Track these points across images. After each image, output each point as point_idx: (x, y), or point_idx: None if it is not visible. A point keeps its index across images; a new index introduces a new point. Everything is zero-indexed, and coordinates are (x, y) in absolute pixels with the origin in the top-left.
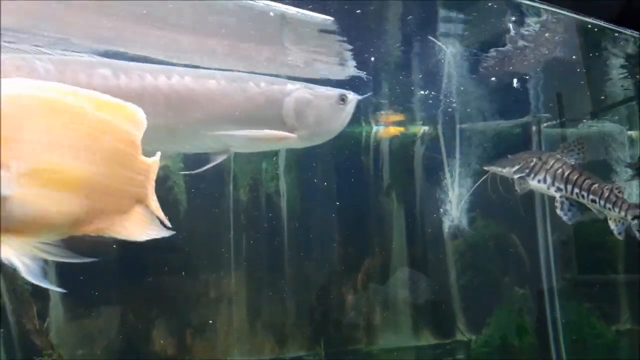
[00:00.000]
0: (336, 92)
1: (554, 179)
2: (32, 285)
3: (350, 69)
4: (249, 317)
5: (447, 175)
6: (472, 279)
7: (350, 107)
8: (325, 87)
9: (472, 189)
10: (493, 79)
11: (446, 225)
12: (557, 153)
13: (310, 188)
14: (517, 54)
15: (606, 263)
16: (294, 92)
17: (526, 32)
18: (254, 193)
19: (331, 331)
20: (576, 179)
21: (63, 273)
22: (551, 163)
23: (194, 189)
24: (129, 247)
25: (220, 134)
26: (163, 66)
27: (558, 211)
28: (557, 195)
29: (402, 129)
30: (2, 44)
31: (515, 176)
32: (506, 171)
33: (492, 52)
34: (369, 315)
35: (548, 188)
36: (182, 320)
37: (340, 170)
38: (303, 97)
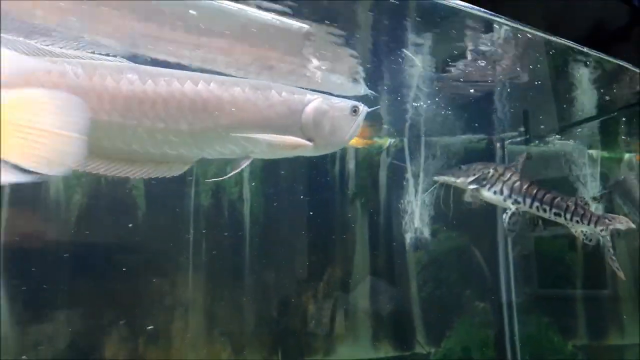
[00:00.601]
0: (349, 103)
1: (511, 191)
2: None
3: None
4: (206, 324)
5: (411, 186)
6: (434, 291)
7: (360, 119)
8: (339, 99)
9: (422, 197)
10: (460, 92)
11: (408, 236)
12: (512, 166)
13: (274, 195)
14: (483, 69)
15: (565, 278)
16: (312, 102)
17: (489, 48)
18: (216, 198)
19: (290, 340)
20: (535, 193)
21: (8, 275)
22: (508, 175)
23: (153, 192)
24: (80, 249)
25: (243, 136)
26: (189, 72)
27: (505, 219)
28: (513, 208)
29: (369, 141)
30: (37, 45)
31: (470, 187)
32: (460, 181)
33: (460, 66)
34: (329, 325)
35: (504, 200)
36: (136, 327)
37: (305, 178)
38: (321, 107)
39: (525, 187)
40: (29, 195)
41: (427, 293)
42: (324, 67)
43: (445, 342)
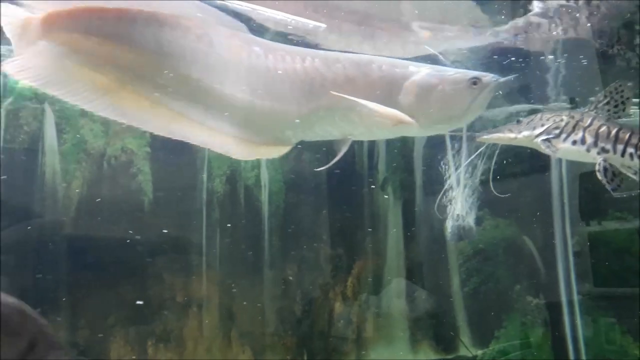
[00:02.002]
0: (467, 75)
1: (596, 138)
2: None
3: None
4: (222, 325)
5: (452, 166)
6: (479, 287)
7: (486, 92)
8: (456, 70)
9: (463, 166)
10: (512, 57)
11: (449, 224)
12: (590, 110)
13: (295, 180)
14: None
15: (633, 272)
16: (415, 76)
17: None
18: (231, 184)
19: (316, 342)
20: (629, 137)
21: (9, 274)
22: (589, 120)
23: (161, 176)
24: (83, 245)
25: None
26: (295, 47)
27: (601, 177)
28: (599, 158)
29: None
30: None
31: (539, 139)
32: (523, 137)
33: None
34: (359, 325)
35: (588, 150)
36: (144, 329)
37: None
38: (426, 81)
39: (614, 131)
40: (22, 178)
41: (471, 288)
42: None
43: (494, 343)
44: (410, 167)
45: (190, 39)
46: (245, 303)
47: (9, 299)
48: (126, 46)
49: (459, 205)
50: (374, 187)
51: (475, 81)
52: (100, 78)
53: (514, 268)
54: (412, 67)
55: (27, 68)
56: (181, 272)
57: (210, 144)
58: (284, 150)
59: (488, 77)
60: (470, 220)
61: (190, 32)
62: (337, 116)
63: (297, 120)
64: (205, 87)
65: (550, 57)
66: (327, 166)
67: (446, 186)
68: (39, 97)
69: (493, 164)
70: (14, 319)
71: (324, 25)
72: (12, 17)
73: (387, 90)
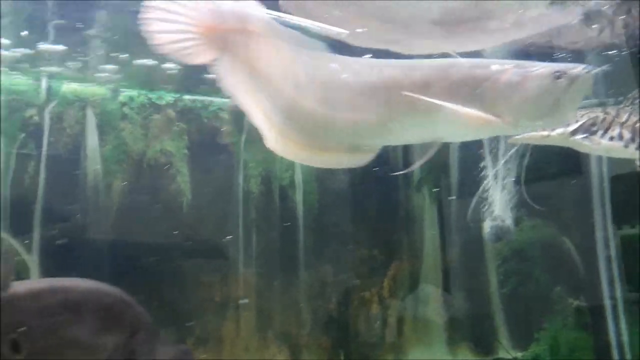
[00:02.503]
0: (552, 69)
1: (633, 134)
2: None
3: None
4: (259, 325)
5: (489, 164)
6: (517, 288)
7: (577, 86)
8: (543, 64)
9: (499, 167)
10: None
11: (487, 225)
12: (622, 106)
13: (329, 180)
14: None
15: None
16: (498, 75)
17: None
18: (266, 185)
19: (352, 343)
20: None
21: (46, 271)
22: (626, 116)
23: (198, 178)
24: (120, 247)
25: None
26: (376, 60)
27: None
28: (638, 154)
29: None
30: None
31: (576, 137)
32: (557, 134)
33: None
34: (396, 326)
35: (626, 146)
36: (182, 329)
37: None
38: (508, 79)
39: None
40: (65, 181)
41: (509, 290)
42: None
43: (534, 345)
44: (446, 167)
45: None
46: (281, 303)
47: (111, 289)
48: None
49: (497, 206)
50: (409, 187)
51: (559, 75)
52: None
53: (553, 269)
54: (495, 65)
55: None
56: (218, 272)
57: (321, 162)
58: (368, 157)
59: (577, 69)
60: (509, 221)
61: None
62: (418, 121)
63: (379, 128)
64: (295, 104)
65: (589, 54)
66: (411, 168)
67: (483, 186)
68: (81, 100)
69: (524, 163)
70: (117, 308)
71: (346, 32)
72: None
73: (470, 91)
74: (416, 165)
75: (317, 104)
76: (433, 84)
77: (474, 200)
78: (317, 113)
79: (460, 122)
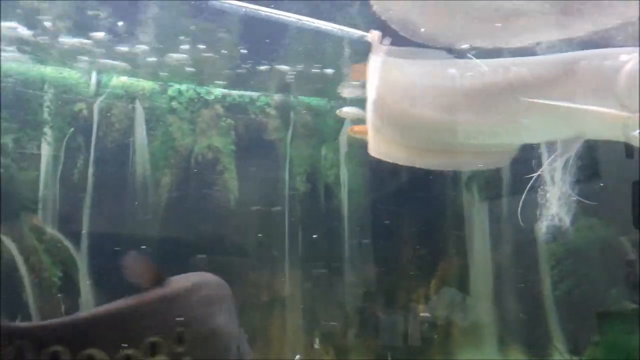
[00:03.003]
0: None
1: None
2: (62, 278)
3: None
4: (306, 325)
5: (544, 159)
6: (572, 290)
7: None
8: None
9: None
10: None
11: (542, 225)
12: None
13: (375, 178)
14: None
15: None
16: (626, 65)
17: None
18: (311, 182)
19: (400, 345)
20: None
21: (95, 267)
22: None
23: (245, 174)
24: (168, 242)
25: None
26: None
27: None
28: None
29: None
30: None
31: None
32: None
33: None
34: (444, 327)
35: None
36: None
37: None
38: (635, 69)
39: None
40: (114, 177)
41: (563, 291)
42: None
43: (592, 350)
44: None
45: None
46: (327, 303)
47: (220, 279)
48: None
49: (553, 205)
50: (458, 185)
51: None
52: None
53: (610, 271)
54: (624, 55)
55: None
56: (265, 270)
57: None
58: (509, 155)
59: None
60: (566, 220)
61: None
62: (549, 119)
63: (512, 127)
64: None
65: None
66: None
67: (537, 184)
68: (130, 95)
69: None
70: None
71: (369, 34)
72: None
73: (597, 85)
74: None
75: (434, 111)
76: (560, 79)
77: (522, 197)
78: (434, 119)
79: (596, 116)
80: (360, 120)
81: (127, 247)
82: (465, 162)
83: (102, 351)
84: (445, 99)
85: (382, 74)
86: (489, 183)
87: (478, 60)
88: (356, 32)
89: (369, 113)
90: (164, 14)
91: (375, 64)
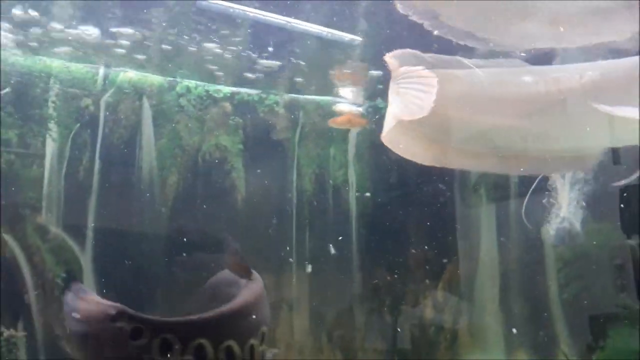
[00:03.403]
0: None
1: None
2: (66, 279)
3: None
4: (313, 328)
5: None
6: (579, 293)
7: None
8: None
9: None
10: None
11: (551, 228)
12: None
13: (383, 179)
14: None
15: None
16: None
17: None
18: (319, 183)
19: (407, 347)
20: None
21: (99, 272)
22: None
23: (253, 174)
24: (173, 241)
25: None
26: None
27: None
28: None
29: None
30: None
31: None
32: None
33: None
34: (451, 330)
35: None
36: None
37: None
38: None
39: None
40: (120, 175)
41: (570, 295)
42: None
43: (599, 354)
44: None
45: None
46: (334, 306)
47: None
48: None
49: (563, 208)
50: (466, 188)
51: None
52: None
53: (618, 275)
54: None
55: None
56: (272, 271)
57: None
58: (592, 161)
59: None
60: (577, 224)
61: None
62: (615, 125)
63: (580, 132)
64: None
65: None
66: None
67: (546, 186)
68: (137, 91)
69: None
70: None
71: (359, 39)
72: None
73: None
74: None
75: (506, 117)
76: (630, 84)
77: (526, 199)
78: (506, 125)
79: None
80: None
81: (132, 246)
82: (542, 166)
83: (236, 343)
84: (520, 105)
85: (433, 87)
86: (497, 185)
87: (555, 67)
88: (347, 36)
89: (407, 121)
90: (172, 11)
91: (420, 76)
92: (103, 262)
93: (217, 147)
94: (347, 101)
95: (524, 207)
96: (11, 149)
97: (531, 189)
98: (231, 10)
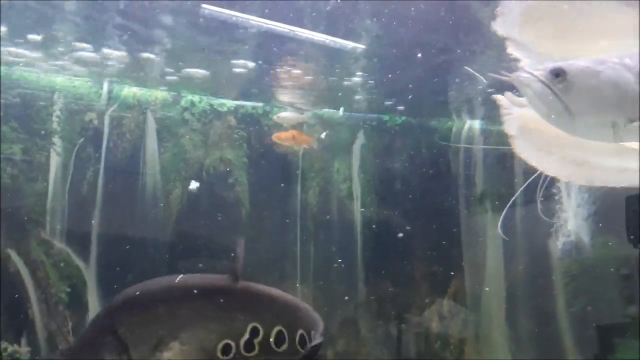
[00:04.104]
0: None
1: None
2: (70, 294)
3: None
4: None
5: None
6: (586, 307)
7: None
8: None
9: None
10: None
11: (553, 241)
12: None
13: (388, 192)
14: None
15: None
16: None
17: None
18: (324, 196)
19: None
20: None
21: (103, 286)
22: None
23: (257, 187)
24: (177, 255)
25: None
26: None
27: None
28: None
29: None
30: None
31: None
32: None
33: None
34: (457, 344)
35: None
36: None
37: (423, 172)
38: None
39: None
40: (124, 189)
41: (578, 309)
42: None
43: None
44: (511, 180)
45: None
46: (339, 320)
47: None
48: None
49: (570, 221)
50: (471, 201)
51: None
52: None
53: (626, 286)
54: None
55: None
56: (276, 283)
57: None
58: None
59: None
60: (585, 237)
61: None
62: None
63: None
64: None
65: None
66: None
67: (549, 200)
68: (141, 105)
69: None
70: None
71: (362, 46)
72: None
73: None
74: None
75: None
76: None
77: (543, 213)
78: None
79: None
80: (299, 125)
81: (136, 259)
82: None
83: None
84: None
85: None
86: (502, 198)
87: None
88: (349, 44)
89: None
90: (177, 25)
91: None
92: (107, 277)
93: (221, 161)
94: (293, 109)
95: (549, 220)
96: (16, 163)
97: (511, 201)
98: (234, 18)
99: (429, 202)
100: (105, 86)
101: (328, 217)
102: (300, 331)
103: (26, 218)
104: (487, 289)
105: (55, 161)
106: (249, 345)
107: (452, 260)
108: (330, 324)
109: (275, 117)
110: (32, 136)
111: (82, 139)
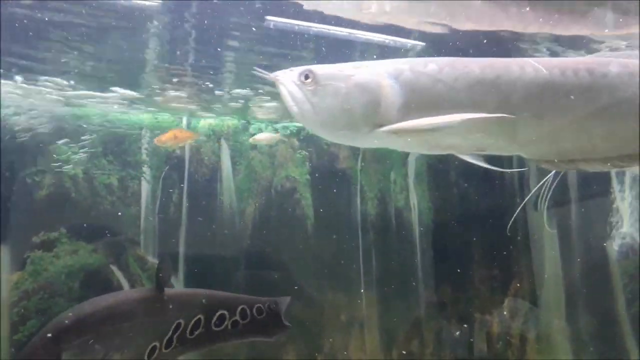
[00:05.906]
0: None
1: None
2: None
3: None
4: (383, 345)
5: (615, 180)
6: None
7: None
8: None
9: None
10: None
11: (616, 243)
12: None
13: (444, 200)
14: None
15: None
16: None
17: None
18: (382, 207)
19: None
20: None
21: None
22: None
23: (320, 202)
24: (253, 266)
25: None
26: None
27: None
28: None
29: None
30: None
31: None
32: None
33: None
34: (519, 347)
35: None
36: (312, 345)
37: (478, 179)
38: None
39: None
40: (205, 208)
41: (638, 310)
42: None
43: None
44: (565, 183)
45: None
46: (403, 323)
47: None
48: None
49: (625, 222)
50: (527, 205)
51: None
52: None
53: None
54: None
55: None
56: (342, 292)
57: None
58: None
59: None
60: (637, 237)
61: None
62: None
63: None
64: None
65: None
66: None
67: (606, 202)
68: (217, 134)
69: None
70: None
71: (422, 44)
72: None
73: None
74: None
75: None
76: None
77: (600, 214)
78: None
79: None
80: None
81: (218, 270)
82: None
83: None
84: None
85: None
86: (557, 202)
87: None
88: (409, 42)
89: None
90: (241, 53)
91: None
92: (193, 286)
93: (287, 179)
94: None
95: (607, 221)
96: (114, 191)
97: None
98: (297, 27)
99: (486, 208)
100: (184, 120)
101: (387, 226)
102: (241, 307)
103: (124, 238)
104: (546, 291)
105: (145, 187)
106: (169, 343)
107: (511, 264)
108: (394, 327)
109: (251, 139)
110: (125, 167)
111: (167, 167)
